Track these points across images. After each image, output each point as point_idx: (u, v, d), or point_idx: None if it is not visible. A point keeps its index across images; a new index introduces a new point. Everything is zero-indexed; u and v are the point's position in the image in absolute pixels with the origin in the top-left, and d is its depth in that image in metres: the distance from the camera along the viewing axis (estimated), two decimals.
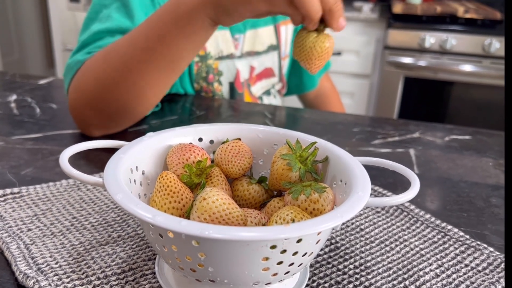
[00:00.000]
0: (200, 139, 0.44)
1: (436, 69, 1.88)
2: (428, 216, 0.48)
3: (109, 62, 0.58)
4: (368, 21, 1.98)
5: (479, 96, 1.92)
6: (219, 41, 0.83)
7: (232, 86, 0.87)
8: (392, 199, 0.33)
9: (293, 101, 1.23)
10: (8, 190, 0.48)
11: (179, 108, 0.78)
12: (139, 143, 0.39)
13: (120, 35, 0.64)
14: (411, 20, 1.88)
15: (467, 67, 1.85)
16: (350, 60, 2.05)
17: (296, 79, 1.05)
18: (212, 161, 0.43)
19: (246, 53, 0.88)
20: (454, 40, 1.83)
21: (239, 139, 0.43)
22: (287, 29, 0.95)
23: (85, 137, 0.64)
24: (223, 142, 0.43)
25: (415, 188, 0.35)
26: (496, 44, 1.79)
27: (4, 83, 0.88)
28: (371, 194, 0.51)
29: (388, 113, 2.00)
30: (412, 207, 0.49)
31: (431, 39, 1.85)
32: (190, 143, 0.42)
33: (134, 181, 0.37)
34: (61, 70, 2.52)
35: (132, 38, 0.57)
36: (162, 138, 0.41)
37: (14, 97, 0.80)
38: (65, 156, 0.35)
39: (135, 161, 0.37)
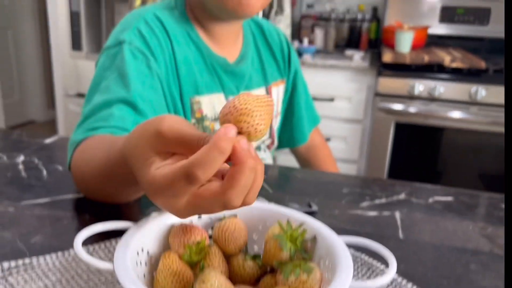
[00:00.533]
0: (199, 216, 0.48)
1: (426, 115, 1.95)
2: (410, 285, 0.51)
3: (84, 181, 0.63)
4: (359, 69, 2.06)
5: (469, 141, 1.98)
6: (215, 104, 0.88)
7: None
8: (372, 283, 0.38)
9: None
10: (20, 261, 0.51)
11: None
12: (144, 225, 0.43)
13: (117, 104, 0.69)
14: (400, 69, 1.96)
15: (456, 114, 1.92)
16: (342, 106, 2.12)
17: (288, 133, 1.10)
18: (211, 237, 0.47)
19: None
20: (442, 88, 1.91)
21: (236, 216, 0.47)
22: (278, 90, 1.01)
23: (90, 203, 0.67)
24: (221, 219, 0.47)
25: (392, 270, 0.39)
26: (482, 92, 1.87)
27: (11, 143, 0.93)
28: (356, 262, 0.55)
29: (381, 157, 2.06)
30: (395, 275, 0.53)
31: (420, 86, 1.93)
32: (191, 221, 0.46)
33: (140, 262, 0.41)
34: (62, 113, 2.58)
35: (93, 183, 0.61)
36: (165, 218, 0.45)
37: (21, 158, 0.84)
38: (78, 242, 0.39)
39: (141, 243, 0.41)
